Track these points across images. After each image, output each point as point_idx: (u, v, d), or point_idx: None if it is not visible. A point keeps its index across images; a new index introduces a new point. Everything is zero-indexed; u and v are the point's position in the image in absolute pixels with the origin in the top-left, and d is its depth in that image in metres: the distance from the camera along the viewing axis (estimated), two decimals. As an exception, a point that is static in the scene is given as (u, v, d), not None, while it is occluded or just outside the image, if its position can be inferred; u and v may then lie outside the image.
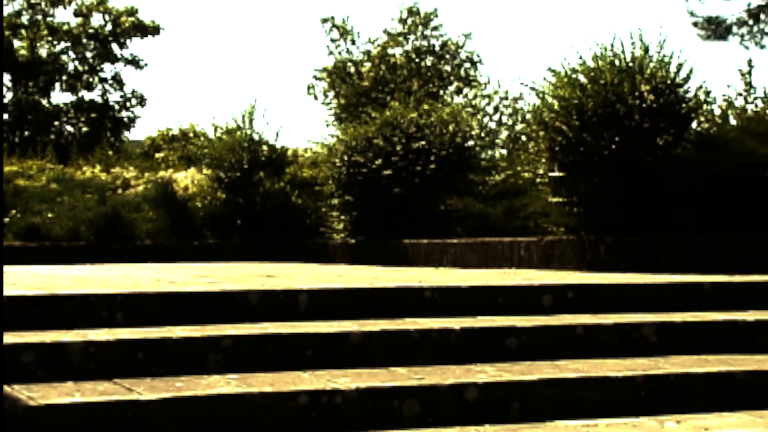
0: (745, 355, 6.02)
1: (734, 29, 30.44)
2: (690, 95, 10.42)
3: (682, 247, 9.49)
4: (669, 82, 10.31)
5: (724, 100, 12.33)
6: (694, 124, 10.52)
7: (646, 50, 10.50)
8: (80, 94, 47.84)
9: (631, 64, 10.43)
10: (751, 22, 30.09)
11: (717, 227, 9.52)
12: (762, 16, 30.01)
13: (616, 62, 10.47)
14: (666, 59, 10.44)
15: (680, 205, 9.76)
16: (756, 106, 12.62)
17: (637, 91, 10.11)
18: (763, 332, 6.25)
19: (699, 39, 31.44)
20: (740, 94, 13.01)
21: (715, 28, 30.42)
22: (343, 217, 15.91)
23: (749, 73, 13.38)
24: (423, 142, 14.94)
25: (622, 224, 10.21)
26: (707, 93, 10.58)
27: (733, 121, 11.28)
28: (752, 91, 13.66)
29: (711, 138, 10.22)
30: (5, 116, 42.88)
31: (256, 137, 19.01)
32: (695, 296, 6.90)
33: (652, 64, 10.42)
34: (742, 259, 9.07)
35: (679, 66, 10.40)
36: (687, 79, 10.39)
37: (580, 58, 10.60)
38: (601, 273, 9.07)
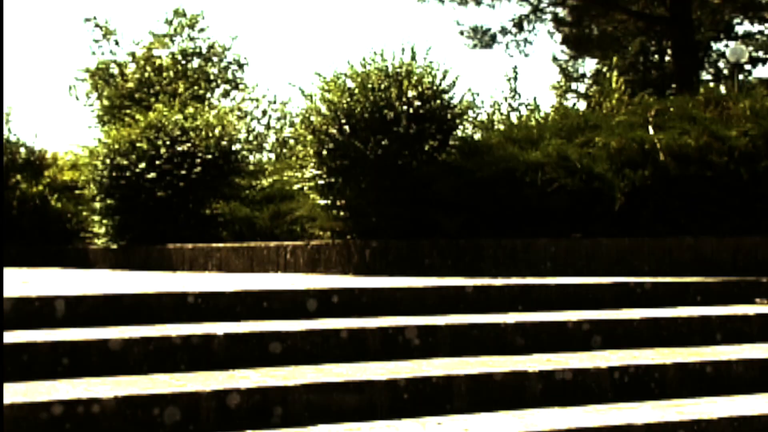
0: (504, 356, 6.13)
1: (499, 38, 31.33)
2: (456, 101, 10.58)
3: (446, 250, 9.63)
4: (435, 88, 10.44)
5: (491, 106, 12.62)
6: (459, 130, 10.68)
7: (414, 57, 10.61)
8: None
9: (399, 70, 10.51)
10: (515, 31, 31.03)
11: (480, 231, 9.70)
12: (525, 26, 30.99)
13: (385, 68, 10.55)
14: (432, 66, 10.58)
15: (446, 209, 9.89)
16: (520, 112, 12.97)
17: (404, 97, 10.20)
18: (521, 334, 6.37)
19: (467, 47, 32.17)
20: (506, 100, 13.36)
21: (481, 37, 31.25)
22: (104, 222, 15.51)
23: (515, 79, 13.76)
24: (188, 146, 14.76)
25: (389, 229, 10.28)
26: (474, 99, 10.79)
27: (500, 127, 11.55)
28: (517, 97, 14.06)
29: (475, 144, 10.41)
30: None
31: (13, 139, 18.39)
32: (458, 299, 6.99)
33: (419, 71, 10.53)
34: (503, 262, 9.28)
35: (445, 73, 10.55)
36: (452, 85, 10.55)
37: (349, 63, 10.65)
38: (366, 277, 9.10)
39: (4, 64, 8.78)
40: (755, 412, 5.45)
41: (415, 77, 10.44)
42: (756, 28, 43.25)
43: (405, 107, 10.13)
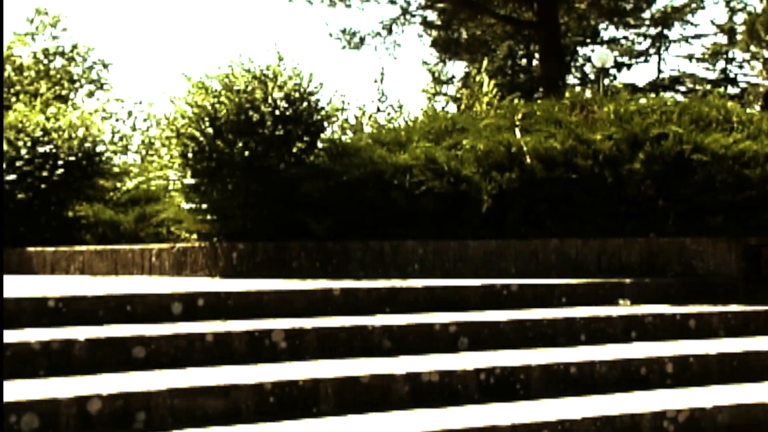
0: (371, 358, 6.11)
1: (368, 40, 31.42)
2: (324, 103, 10.53)
3: (314, 253, 9.57)
4: (302, 90, 10.38)
5: (359, 108, 12.60)
6: (328, 132, 10.64)
7: (281, 58, 10.54)
8: None
9: (265, 72, 10.43)
10: (384, 33, 31.16)
11: (349, 233, 9.67)
12: (395, 28, 31.14)
13: (251, 69, 10.45)
14: (299, 68, 10.52)
15: (314, 211, 9.84)
16: (388, 115, 13.00)
17: (270, 98, 10.12)
18: (388, 336, 6.35)
19: (337, 49, 32.15)
20: (373, 102, 13.40)
21: (350, 39, 31.30)
22: (-37, 225, 15.12)
23: (382, 81, 13.78)
24: (50, 147, 14.46)
25: (257, 231, 10.19)
26: (342, 101, 10.75)
27: (368, 129, 11.54)
28: (385, 99, 14.09)
29: (343, 146, 10.38)
30: None
31: None
32: (325, 302, 6.94)
33: (286, 72, 10.46)
34: (371, 265, 9.26)
35: (311, 75, 10.50)
36: (320, 87, 10.50)
37: (216, 65, 10.53)
38: (233, 280, 8.99)
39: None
40: (617, 412, 5.52)
41: (282, 79, 10.37)
42: (621, 33, 44.27)
43: (271, 109, 10.05)
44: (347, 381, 5.53)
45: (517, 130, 10.04)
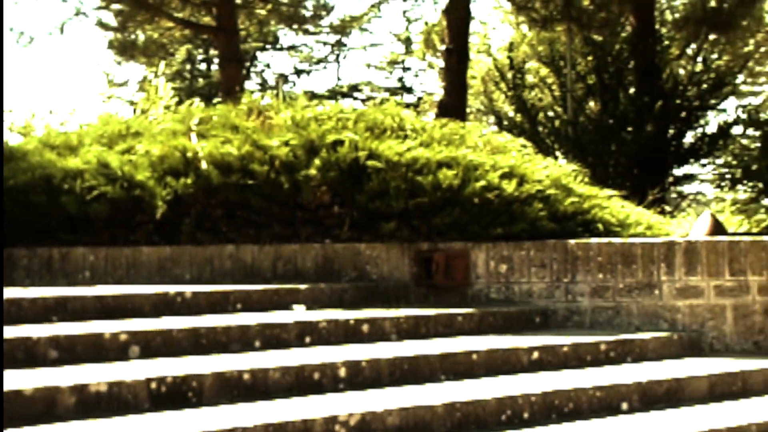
0: (36, 369, 5.86)
1: (39, 39, 30.53)
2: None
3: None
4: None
5: (30, 111, 12.15)
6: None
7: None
8: None
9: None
10: (57, 33, 30.40)
11: (15, 240, 9.28)
12: (68, 28, 30.38)
13: None
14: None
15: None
16: (61, 117, 12.61)
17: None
18: (55, 346, 6.12)
19: (7, 48, 30.99)
20: (46, 105, 12.97)
21: (19, 37, 30.29)
22: None
23: (55, 82, 13.33)
24: None
25: None
26: (11, 103, 10.34)
27: (40, 132, 11.15)
28: (57, 101, 13.67)
29: (9, 149, 9.97)
30: None
31: None
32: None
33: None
34: (39, 272, 8.95)
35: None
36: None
37: None
38: None
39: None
40: (289, 418, 5.51)
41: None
42: (301, 40, 44.90)
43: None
44: (9, 395, 5.27)
45: (193, 135, 9.90)
